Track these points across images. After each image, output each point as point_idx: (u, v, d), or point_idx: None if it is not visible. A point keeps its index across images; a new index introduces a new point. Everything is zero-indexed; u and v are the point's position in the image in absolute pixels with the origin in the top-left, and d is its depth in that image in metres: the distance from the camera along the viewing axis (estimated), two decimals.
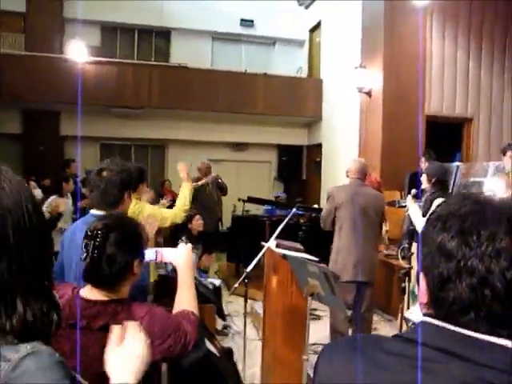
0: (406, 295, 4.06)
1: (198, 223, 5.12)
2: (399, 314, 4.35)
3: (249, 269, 3.44)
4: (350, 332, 4.12)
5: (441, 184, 4.32)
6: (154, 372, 1.49)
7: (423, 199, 4.28)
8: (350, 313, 3.99)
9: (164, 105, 9.58)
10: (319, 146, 10.41)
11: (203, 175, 6.72)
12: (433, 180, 4.29)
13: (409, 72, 7.48)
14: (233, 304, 5.54)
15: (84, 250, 1.41)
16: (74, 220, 5.27)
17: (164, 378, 1.99)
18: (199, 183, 6.25)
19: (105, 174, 2.18)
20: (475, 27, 8.03)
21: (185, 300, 1.58)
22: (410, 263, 4.17)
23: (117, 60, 10.21)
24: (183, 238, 4.90)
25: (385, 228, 5.55)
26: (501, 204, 0.75)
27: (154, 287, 4.35)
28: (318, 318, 5.24)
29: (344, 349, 0.83)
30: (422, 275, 0.79)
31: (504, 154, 4.56)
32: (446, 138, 7.90)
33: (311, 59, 11.44)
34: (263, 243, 3.59)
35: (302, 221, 6.88)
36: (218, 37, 11.64)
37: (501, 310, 0.68)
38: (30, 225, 0.76)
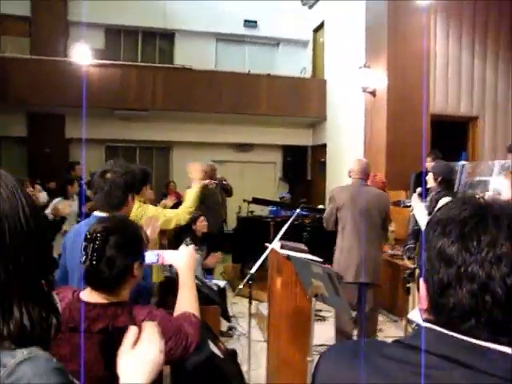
0: (411, 296, 4.03)
1: (202, 224, 5.11)
2: (405, 315, 4.33)
3: (253, 270, 3.44)
4: (355, 333, 4.11)
5: (446, 183, 4.30)
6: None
7: (428, 199, 4.26)
8: (354, 314, 3.96)
9: (168, 106, 9.60)
10: (324, 146, 10.39)
11: (208, 177, 6.71)
12: (438, 179, 4.26)
13: (413, 71, 7.45)
14: (238, 305, 5.53)
15: (83, 252, 1.40)
16: (78, 223, 5.27)
17: (167, 381, 1.99)
18: (208, 185, 6.22)
19: (109, 175, 2.17)
20: (479, 26, 7.99)
21: (186, 302, 1.57)
22: (415, 263, 4.15)
23: (121, 62, 10.25)
24: (187, 239, 4.90)
25: (390, 228, 5.53)
26: (501, 209, 0.73)
27: (159, 289, 4.36)
28: (324, 319, 5.23)
29: (345, 352, 0.83)
30: (421, 281, 0.78)
31: (510, 152, 4.53)
32: (452, 136, 7.86)
33: (315, 59, 11.42)
34: (267, 244, 3.58)
35: (306, 221, 6.86)
36: (222, 38, 11.65)
37: (501, 316, 0.67)
38: (28, 229, 0.75)
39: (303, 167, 11.52)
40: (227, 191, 7.05)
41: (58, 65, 9.11)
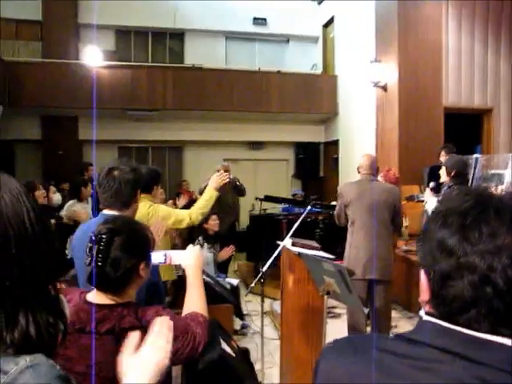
0: None
1: (214, 223, 5.11)
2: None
3: (264, 268, 3.43)
4: (368, 330, 4.07)
5: (460, 177, 4.23)
6: (165, 376, 1.48)
7: (442, 193, 4.20)
8: (366, 311, 3.93)
9: (179, 106, 9.63)
10: (336, 142, 10.33)
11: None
12: (452, 173, 4.20)
13: (425, 64, 7.36)
14: (252, 303, 5.53)
15: (88, 254, 1.41)
16: None
17: (178, 381, 1.99)
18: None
19: (116, 173, 2.17)
20: (493, 16, 7.84)
21: (194, 302, 1.57)
22: None
23: (131, 63, 10.33)
24: (200, 238, 4.91)
25: (404, 223, 5.47)
26: (503, 200, 0.73)
27: (172, 288, 4.39)
28: (338, 316, 5.20)
29: (347, 348, 0.83)
30: (422, 273, 0.78)
31: None
32: (466, 130, 7.75)
33: (325, 55, 11.36)
34: (279, 242, 3.57)
35: (319, 218, 6.83)
36: (232, 36, 11.64)
37: (502, 307, 0.67)
38: (33, 234, 0.75)
39: (316, 164, 11.46)
40: (240, 192, 7.01)
41: (69, 67, 9.22)
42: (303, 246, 3.42)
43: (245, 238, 7.72)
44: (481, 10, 7.79)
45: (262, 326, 3.62)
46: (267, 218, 7.43)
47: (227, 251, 5.15)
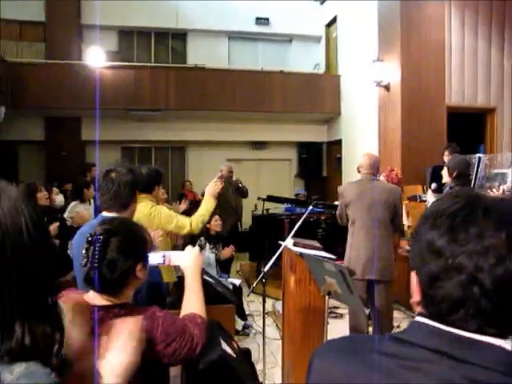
0: None
1: (216, 223, 5.12)
2: None
3: (266, 268, 3.43)
4: (369, 330, 4.06)
5: (462, 178, 4.21)
6: (163, 377, 1.48)
7: (444, 194, 4.18)
8: (368, 311, 3.92)
9: (182, 106, 9.63)
10: (339, 142, 10.31)
11: (225, 179, 6.68)
12: (454, 174, 4.19)
13: (427, 63, 7.34)
14: (254, 303, 5.52)
15: (84, 255, 1.41)
16: None
17: (177, 381, 1.99)
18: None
19: (113, 175, 2.18)
20: (496, 16, 7.81)
21: (192, 303, 1.57)
22: None
23: (134, 64, 10.34)
24: (201, 238, 4.91)
25: (407, 223, 5.45)
26: (492, 202, 0.74)
27: (174, 289, 4.38)
28: (340, 316, 5.19)
29: (339, 349, 0.83)
30: (413, 274, 0.79)
31: None
32: (469, 129, 7.71)
33: (328, 55, 11.34)
34: (280, 242, 3.57)
35: (322, 218, 6.81)
36: (234, 36, 11.64)
37: (490, 307, 0.68)
38: (31, 244, 0.74)
39: (318, 163, 11.44)
40: (243, 193, 6.99)
41: (72, 68, 9.24)
42: (305, 246, 3.41)
43: (247, 238, 7.72)
44: (484, 10, 7.75)
45: (264, 326, 3.61)
46: (270, 218, 7.42)
47: (228, 250, 5.21)
